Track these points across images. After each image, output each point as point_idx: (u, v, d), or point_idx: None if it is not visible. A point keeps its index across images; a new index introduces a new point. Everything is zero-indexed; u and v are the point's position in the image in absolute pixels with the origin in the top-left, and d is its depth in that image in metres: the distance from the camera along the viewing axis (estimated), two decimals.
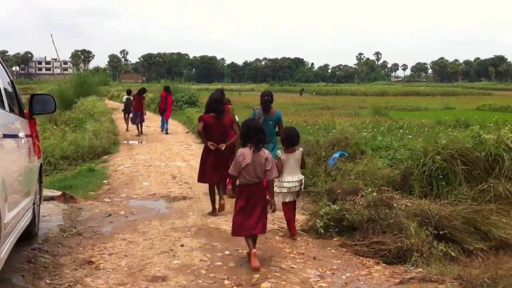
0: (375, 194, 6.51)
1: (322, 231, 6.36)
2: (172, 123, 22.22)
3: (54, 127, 18.00)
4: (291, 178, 6.37)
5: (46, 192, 8.20)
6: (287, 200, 6.42)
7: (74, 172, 11.58)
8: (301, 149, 6.61)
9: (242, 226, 5.36)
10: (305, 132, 14.03)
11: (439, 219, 6.07)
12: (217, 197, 7.46)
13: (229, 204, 7.27)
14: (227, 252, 5.65)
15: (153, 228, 6.63)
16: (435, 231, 5.93)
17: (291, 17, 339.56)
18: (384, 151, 10.12)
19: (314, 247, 6.05)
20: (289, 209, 6.47)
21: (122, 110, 21.48)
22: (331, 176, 8.57)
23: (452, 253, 5.73)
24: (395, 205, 6.35)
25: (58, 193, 8.43)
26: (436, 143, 8.01)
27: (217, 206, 7.39)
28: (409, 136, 12.59)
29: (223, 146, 7.40)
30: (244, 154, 5.36)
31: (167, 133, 19.56)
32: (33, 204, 5.62)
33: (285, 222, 6.67)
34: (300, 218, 7.21)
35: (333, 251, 5.89)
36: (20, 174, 4.69)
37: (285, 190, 6.36)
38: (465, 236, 6.03)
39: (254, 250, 5.21)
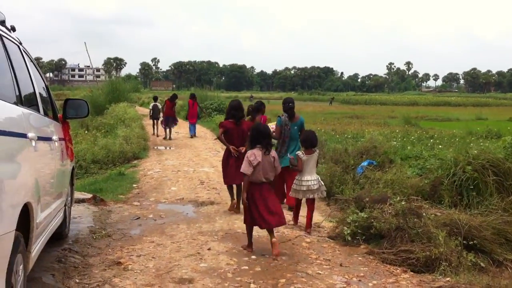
0: (403, 203, 6.45)
1: (349, 238, 6.33)
2: (201, 130, 22.59)
3: (86, 132, 18.34)
4: (310, 177, 6.96)
5: (77, 195, 8.36)
6: (307, 197, 7.00)
7: (104, 176, 11.79)
8: (317, 150, 7.19)
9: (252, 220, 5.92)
10: (333, 141, 14.03)
11: (469, 229, 5.98)
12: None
13: None
14: (253, 257, 5.67)
15: (180, 232, 6.70)
16: (464, 242, 5.84)
17: (322, 27, 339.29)
18: (413, 160, 10.04)
19: (340, 254, 6.03)
20: (301, 203, 7.21)
21: (150, 117, 22.01)
22: (359, 184, 8.54)
23: (482, 264, 5.62)
24: (424, 214, 6.29)
25: (89, 195, 8.58)
26: (467, 153, 7.89)
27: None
28: (440, 146, 12.41)
29: (243, 149, 7.74)
30: (255, 154, 5.83)
31: (195, 136, 20.50)
32: (65, 205, 5.73)
33: (311, 230, 6.92)
34: (327, 225, 7.21)
35: (360, 258, 5.85)
36: (53, 176, 4.78)
37: (305, 189, 6.94)
38: (495, 247, 5.93)
39: (273, 240, 5.75)
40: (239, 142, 7.89)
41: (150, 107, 21.86)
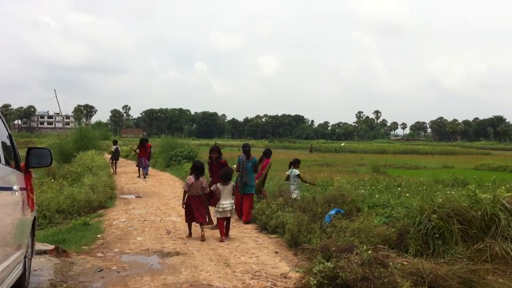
0: (370, 252, 6.43)
1: None
2: (170, 178, 22.67)
3: (52, 180, 17.95)
4: (225, 202, 9.90)
5: (39, 246, 8.13)
6: (223, 216, 9.86)
7: (68, 226, 11.47)
8: (232, 183, 10.33)
9: (189, 218, 9.97)
10: (302, 189, 14.00)
11: (435, 278, 5.97)
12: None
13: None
14: None
15: (144, 284, 6.52)
16: None
17: (292, 76, 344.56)
18: (380, 208, 10.08)
19: None
20: (224, 222, 9.94)
21: (110, 159, 26.76)
22: (327, 233, 8.50)
23: None
24: (390, 263, 6.28)
25: (51, 247, 8.34)
26: (432, 201, 7.97)
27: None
28: (407, 194, 12.54)
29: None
30: (191, 178, 9.97)
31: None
32: (25, 257, 5.56)
33: (278, 279, 6.87)
34: (294, 275, 7.12)
35: None
36: (12, 227, 4.66)
37: (221, 210, 9.82)
38: None
39: (202, 233, 9.68)
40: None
41: (113, 150, 26.53)
